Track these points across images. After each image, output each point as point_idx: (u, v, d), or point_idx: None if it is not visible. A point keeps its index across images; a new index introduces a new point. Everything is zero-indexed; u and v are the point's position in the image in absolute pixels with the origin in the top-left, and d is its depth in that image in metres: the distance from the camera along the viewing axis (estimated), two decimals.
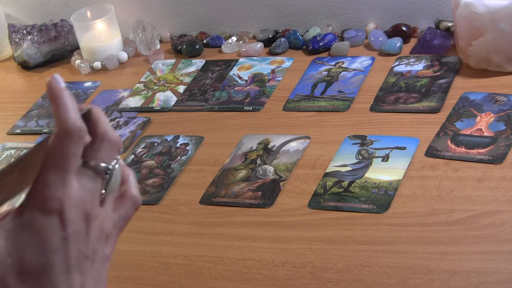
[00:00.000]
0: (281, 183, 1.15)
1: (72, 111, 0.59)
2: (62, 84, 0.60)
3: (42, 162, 0.59)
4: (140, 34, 1.62)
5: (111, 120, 1.41)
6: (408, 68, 1.37)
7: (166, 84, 1.50)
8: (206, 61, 1.56)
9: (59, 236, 0.59)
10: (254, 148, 1.24)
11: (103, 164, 0.61)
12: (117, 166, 0.62)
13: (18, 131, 1.46)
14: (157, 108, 1.43)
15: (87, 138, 0.60)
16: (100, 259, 0.64)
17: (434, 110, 1.24)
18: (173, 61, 1.58)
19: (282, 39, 1.54)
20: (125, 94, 1.50)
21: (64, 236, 0.59)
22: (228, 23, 1.64)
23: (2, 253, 0.58)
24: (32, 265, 0.59)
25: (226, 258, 1.03)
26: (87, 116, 0.61)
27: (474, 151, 1.12)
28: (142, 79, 1.54)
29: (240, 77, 1.47)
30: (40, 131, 1.43)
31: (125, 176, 0.67)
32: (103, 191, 0.62)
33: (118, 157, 0.63)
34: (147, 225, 1.13)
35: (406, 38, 1.46)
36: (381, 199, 1.07)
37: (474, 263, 0.93)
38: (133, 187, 0.67)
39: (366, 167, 1.14)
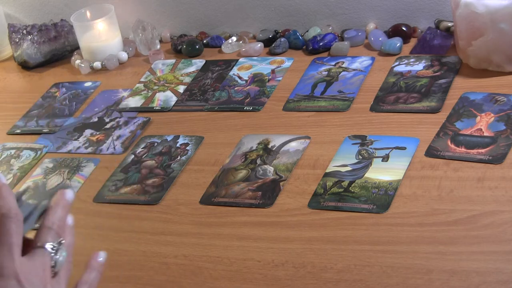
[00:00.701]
0: (281, 183, 1.15)
1: (10, 200, 0.76)
2: (3, 181, 0.78)
3: None
4: (140, 34, 1.62)
5: (111, 120, 1.42)
6: (408, 68, 1.37)
7: (166, 84, 1.50)
8: (206, 61, 1.56)
9: None
10: (254, 148, 1.24)
11: (48, 244, 0.77)
12: (61, 245, 0.78)
13: (18, 131, 1.46)
14: (157, 108, 1.43)
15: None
16: None
17: (434, 110, 1.24)
18: (173, 61, 1.58)
19: (282, 39, 1.54)
20: (125, 94, 1.50)
21: None
22: (228, 23, 1.64)
23: None
24: None
25: (226, 258, 1.03)
26: (45, 211, 0.80)
27: (474, 151, 1.12)
28: (142, 79, 1.54)
29: (240, 77, 1.47)
30: (40, 131, 1.43)
31: (89, 269, 0.83)
32: (53, 263, 0.77)
33: (61, 239, 0.79)
34: (147, 225, 1.13)
35: (406, 38, 1.46)
36: (381, 199, 1.07)
37: (474, 263, 0.93)
38: (92, 279, 0.82)
39: (366, 167, 1.14)
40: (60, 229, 0.79)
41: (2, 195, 0.76)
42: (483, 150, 1.11)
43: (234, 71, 1.49)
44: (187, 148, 1.28)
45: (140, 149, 1.31)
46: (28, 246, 0.77)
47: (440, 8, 1.47)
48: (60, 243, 0.78)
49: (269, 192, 1.14)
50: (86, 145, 1.36)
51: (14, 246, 0.74)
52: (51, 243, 0.77)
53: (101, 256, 0.85)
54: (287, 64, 1.48)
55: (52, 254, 0.77)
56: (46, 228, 0.79)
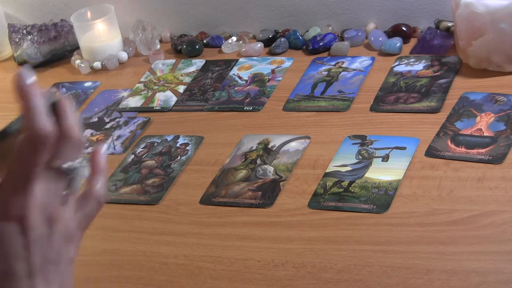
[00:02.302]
0: (281, 183, 1.15)
1: (41, 114, 0.58)
2: (31, 81, 0.58)
3: (7, 166, 0.58)
4: (140, 34, 1.62)
5: (111, 120, 1.41)
6: (408, 68, 1.37)
7: (166, 84, 1.50)
8: (206, 61, 1.56)
9: (21, 243, 0.59)
10: (254, 148, 1.24)
11: (66, 165, 0.61)
12: (80, 165, 0.62)
13: None
14: (157, 108, 1.43)
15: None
16: (64, 262, 0.62)
17: (434, 110, 1.24)
18: (173, 61, 1.58)
19: (282, 39, 1.54)
20: (125, 94, 1.50)
21: (25, 243, 0.59)
22: (228, 23, 1.64)
23: None
24: None
25: (226, 258, 1.03)
26: (54, 108, 0.60)
27: (474, 151, 1.12)
28: (142, 79, 1.54)
29: (240, 77, 1.47)
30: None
31: (96, 174, 0.66)
32: (66, 192, 0.62)
33: (81, 155, 0.62)
34: (147, 225, 1.13)
35: (406, 38, 1.46)
36: (381, 199, 1.07)
37: (474, 263, 0.93)
38: (99, 186, 0.66)
39: (366, 167, 1.14)
40: (80, 139, 0.62)
41: (32, 104, 0.59)
42: (483, 150, 1.11)
43: (234, 71, 1.49)
44: (187, 148, 1.28)
45: (140, 149, 1.31)
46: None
47: (440, 8, 1.47)
48: (81, 161, 0.63)
49: (269, 192, 1.14)
50: (86, 145, 1.36)
51: (33, 181, 0.58)
52: (68, 163, 0.61)
53: (103, 149, 0.67)
54: (287, 64, 1.48)
55: (70, 177, 0.62)
56: (64, 137, 0.61)
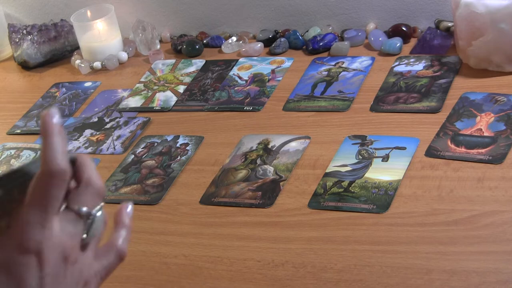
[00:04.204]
0: (281, 183, 1.15)
1: (60, 152, 0.60)
2: (56, 120, 0.60)
3: (25, 200, 0.60)
4: (140, 34, 1.62)
5: (111, 120, 1.41)
6: (408, 68, 1.37)
7: (166, 84, 1.50)
8: (206, 61, 1.56)
9: (36, 276, 0.60)
10: (254, 148, 1.24)
11: (85, 209, 0.62)
12: (99, 213, 0.63)
13: (18, 131, 1.46)
14: (157, 108, 1.43)
15: (72, 183, 0.62)
16: None
17: (434, 110, 1.24)
18: (173, 61, 1.58)
19: (282, 39, 1.54)
20: (125, 94, 1.50)
21: (41, 276, 0.60)
22: (228, 23, 1.64)
23: None
24: None
25: (226, 258, 1.03)
26: (73, 163, 0.63)
27: (474, 151, 1.12)
28: (142, 79, 1.54)
29: (240, 77, 1.47)
30: (40, 131, 1.43)
31: (119, 228, 0.68)
32: (84, 236, 0.63)
33: (102, 204, 0.64)
34: (147, 225, 1.13)
35: (406, 38, 1.46)
36: (381, 199, 1.07)
37: (474, 263, 0.93)
38: (122, 240, 0.68)
39: (366, 167, 1.14)
40: (101, 188, 0.64)
41: (53, 142, 0.60)
42: (483, 150, 1.11)
43: (234, 71, 1.49)
44: (187, 148, 1.28)
45: (140, 149, 1.31)
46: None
47: (440, 8, 1.47)
48: (100, 208, 0.64)
49: (269, 192, 1.14)
50: (86, 145, 1.36)
51: (50, 216, 0.59)
52: (88, 208, 0.63)
53: (129, 208, 0.70)
54: (287, 64, 1.48)
55: (89, 222, 0.63)
56: (85, 184, 0.63)
